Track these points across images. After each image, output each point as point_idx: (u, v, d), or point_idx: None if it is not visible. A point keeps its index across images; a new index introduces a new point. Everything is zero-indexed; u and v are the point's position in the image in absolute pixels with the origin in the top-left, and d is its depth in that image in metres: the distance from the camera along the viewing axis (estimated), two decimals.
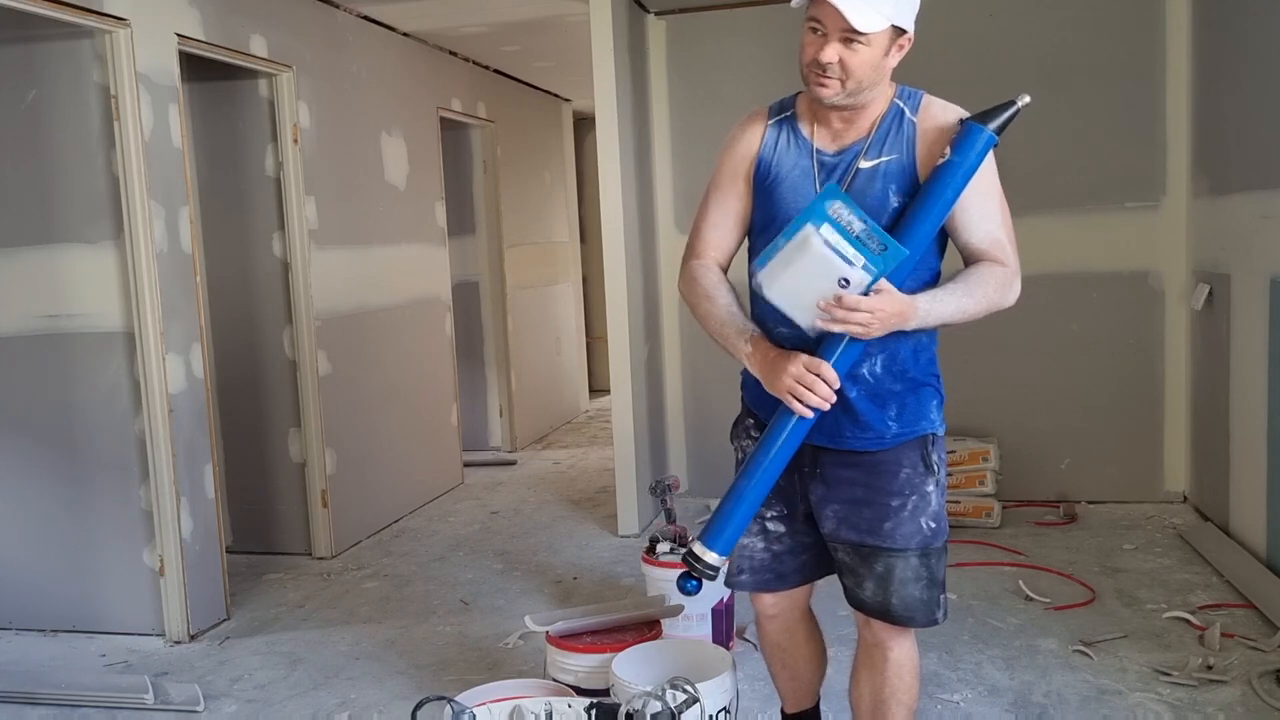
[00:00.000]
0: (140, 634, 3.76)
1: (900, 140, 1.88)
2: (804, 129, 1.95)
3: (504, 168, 6.76)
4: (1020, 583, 3.85)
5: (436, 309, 5.78)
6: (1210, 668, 3.06)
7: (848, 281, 1.73)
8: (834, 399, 1.85)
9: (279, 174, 4.51)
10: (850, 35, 1.77)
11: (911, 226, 1.83)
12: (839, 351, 1.85)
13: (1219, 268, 4.29)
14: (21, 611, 3.88)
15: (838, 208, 1.71)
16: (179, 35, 3.76)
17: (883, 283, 1.77)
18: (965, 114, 1.89)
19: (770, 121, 1.99)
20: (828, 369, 1.82)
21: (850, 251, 1.71)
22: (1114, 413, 4.89)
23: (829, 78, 1.81)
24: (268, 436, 4.71)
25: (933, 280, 1.96)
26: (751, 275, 1.91)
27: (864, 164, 1.88)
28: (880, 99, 1.90)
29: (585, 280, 8.59)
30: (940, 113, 1.92)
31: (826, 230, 1.71)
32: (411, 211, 5.49)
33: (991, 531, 4.55)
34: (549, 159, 7.72)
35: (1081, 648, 3.25)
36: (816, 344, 1.88)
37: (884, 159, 1.88)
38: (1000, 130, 1.81)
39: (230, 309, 4.63)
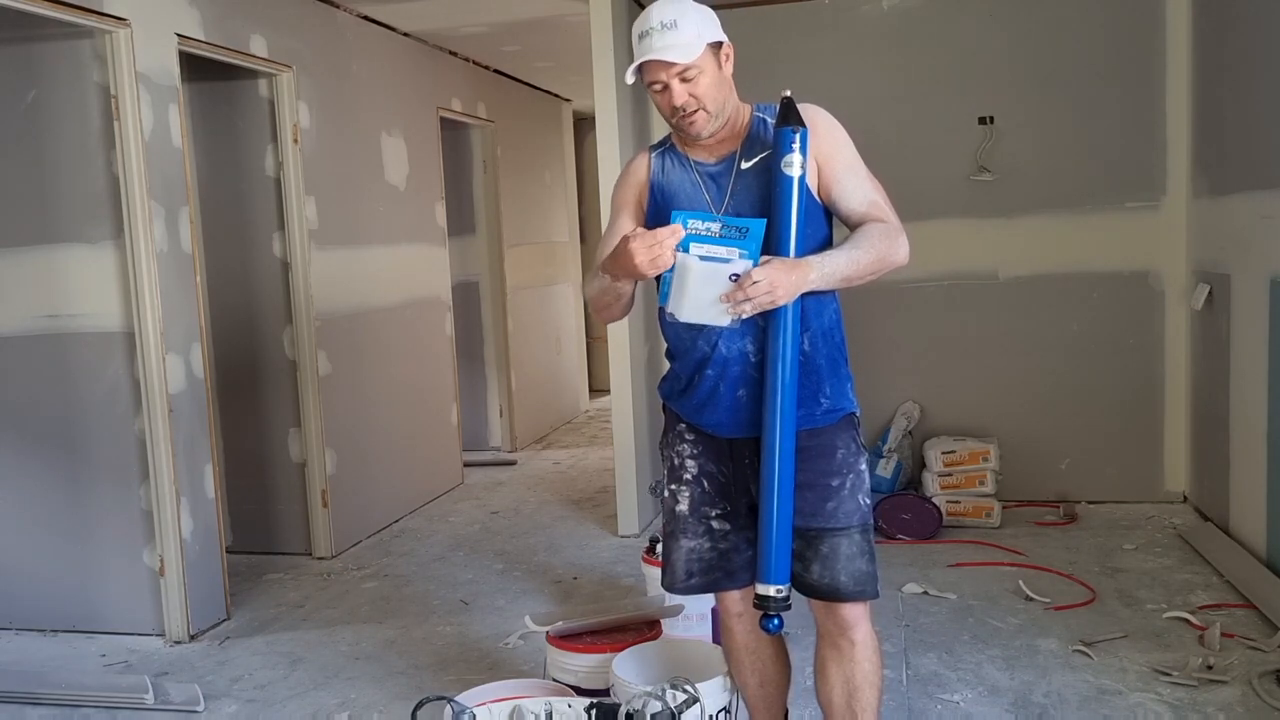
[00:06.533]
0: (140, 634, 3.76)
1: (769, 140, 2.12)
2: (683, 151, 2.20)
3: (504, 168, 6.76)
4: (1020, 583, 3.85)
5: (436, 309, 5.78)
6: (1210, 668, 3.06)
7: (737, 275, 1.95)
8: (678, 236, 1.98)
9: (279, 174, 4.51)
10: (684, 74, 2.03)
11: (773, 215, 2.02)
12: (784, 332, 2.01)
13: (1219, 268, 4.29)
14: (21, 611, 3.88)
15: (692, 224, 1.95)
16: (179, 35, 3.76)
17: (765, 258, 1.96)
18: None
19: (653, 153, 2.25)
20: (664, 231, 1.98)
21: (722, 251, 1.94)
22: (1114, 413, 4.89)
23: (693, 115, 2.06)
24: (268, 436, 4.71)
25: (823, 247, 2.13)
26: (662, 313, 2.14)
27: (745, 165, 2.13)
28: (738, 114, 2.15)
29: (585, 280, 8.58)
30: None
31: (694, 248, 1.96)
32: (411, 211, 5.49)
33: (991, 531, 4.55)
34: (549, 159, 7.72)
35: (1081, 648, 3.25)
36: (761, 346, 2.06)
37: (760, 156, 2.11)
38: (786, 120, 2.02)
39: (230, 309, 4.63)
